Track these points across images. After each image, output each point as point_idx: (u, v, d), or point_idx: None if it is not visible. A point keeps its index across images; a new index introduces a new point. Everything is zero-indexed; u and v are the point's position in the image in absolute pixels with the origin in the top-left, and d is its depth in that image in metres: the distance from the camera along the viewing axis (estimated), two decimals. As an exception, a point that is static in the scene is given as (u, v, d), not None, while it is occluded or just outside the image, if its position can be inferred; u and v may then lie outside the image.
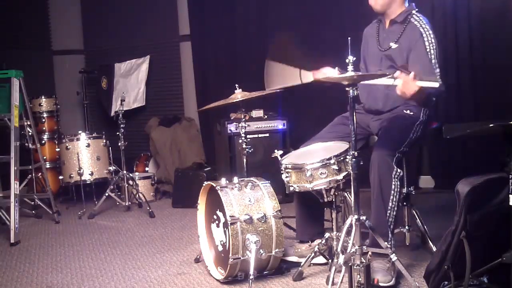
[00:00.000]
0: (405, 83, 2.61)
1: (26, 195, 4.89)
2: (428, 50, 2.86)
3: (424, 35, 2.89)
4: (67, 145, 4.89)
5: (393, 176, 2.66)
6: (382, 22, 3.08)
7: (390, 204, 2.67)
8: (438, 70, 2.88)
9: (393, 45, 2.96)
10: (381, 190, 2.67)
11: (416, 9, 3.01)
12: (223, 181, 2.87)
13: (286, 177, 2.71)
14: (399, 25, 2.98)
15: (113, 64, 5.95)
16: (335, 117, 3.18)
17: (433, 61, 2.86)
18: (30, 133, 4.63)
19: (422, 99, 2.79)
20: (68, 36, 6.50)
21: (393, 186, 2.66)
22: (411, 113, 2.91)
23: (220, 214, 2.81)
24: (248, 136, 3.18)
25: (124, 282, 2.93)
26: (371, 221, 2.57)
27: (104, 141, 5.01)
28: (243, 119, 3.17)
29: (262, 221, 2.72)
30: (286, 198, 4.18)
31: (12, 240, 3.80)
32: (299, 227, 3.11)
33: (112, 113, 5.76)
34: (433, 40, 2.88)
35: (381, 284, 2.54)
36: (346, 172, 2.58)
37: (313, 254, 2.79)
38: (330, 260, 2.79)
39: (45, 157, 5.08)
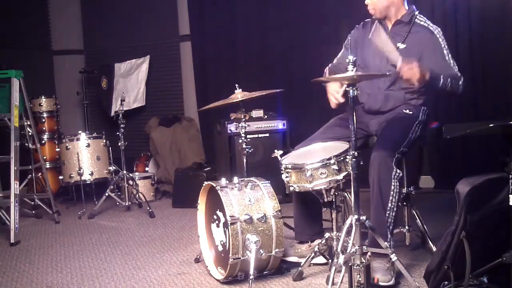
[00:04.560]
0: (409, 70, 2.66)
1: (26, 195, 4.90)
2: (443, 46, 2.91)
3: (435, 32, 2.92)
4: (67, 145, 4.89)
5: (392, 176, 2.66)
6: (383, 23, 3.05)
7: (390, 204, 2.67)
8: (455, 62, 2.91)
9: (401, 45, 2.93)
10: (380, 191, 2.66)
11: (418, 11, 3.02)
12: (223, 181, 2.86)
13: (286, 177, 2.71)
14: (405, 25, 2.98)
15: (113, 64, 5.96)
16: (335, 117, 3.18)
17: (449, 55, 2.90)
18: (30, 133, 4.64)
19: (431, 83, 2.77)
20: (68, 36, 6.50)
21: (392, 187, 2.66)
22: (410, 113, 2.91)
23: (220, 214, 2.81)
24: (248, 136, 3.18)
25: (124, 282, 2.93)
26: (371, 222, 2.57)
27: (104, 141, 5.02)
28: (243, 119, 3.17)
29: (262, 221, 2.72)
30: (286, 198, 4.18)
31: (12, 240, 3.80)
32: (298, 228, 3.10)
33: (112, 113, 5.77)
34: (443, 36, 2.91)
35: (381, 283, 2.54)
36: (346, 172, 2.58)
37: (313, 254, 2.78)
38: (330, 260, 2.79)
39: (45, 157, 5.09)
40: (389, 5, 2.97)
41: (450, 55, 2.92)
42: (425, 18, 2.99)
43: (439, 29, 2.94)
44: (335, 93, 2.88)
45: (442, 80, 2.79)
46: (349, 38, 3.10)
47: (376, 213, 2.69)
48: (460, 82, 2.87)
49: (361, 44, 3.09)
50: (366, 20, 3.18)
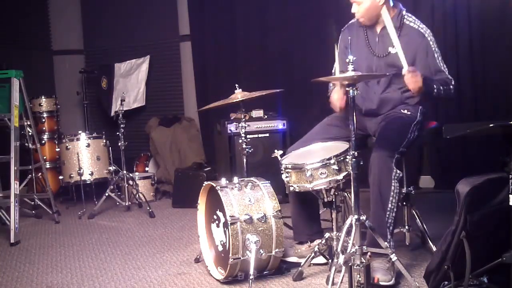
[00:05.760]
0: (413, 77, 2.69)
1: (26, 195, 4.90)
2: (433, 49, 2.89)
3: (426, 35, 2.90)
4: (67, 145, 4.90)
5: (392, 177, 2.65)
6: (371, 26, 3.02)
7: (389, 205, 2.66)
8: (445, 65, 2.91)
9: (392, 50, 2.89)
10: (380, 191, 2.66)
11: (404, 9, 2.99)
12: (223, 181, 2.86)
13: (286, 177, 2.71)
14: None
15: (113, 64, 5.96)
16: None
17: (439, 58, 2.89)
18: (30, 133, 4.64)
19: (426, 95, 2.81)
20: (68, 36, 6.51)
21: (392, 187, 2.65)
22: (409, 113, 2.91)
23: (220, 214, 2.81)
24: (248, 136, 3.18)
25: (124, 282, 2.93)
26: (370, 222, 2.57)
27: (104, 141, 5.02)
28: (243, 119, 3.17)
29: (262, 221, 2.72)
30: (286, 198, 4.17)
31: (12, 240, 3.80)
32: (296, 228, 3.09)
33: (112, 113, 5.77)
34: (434, 38, 2.90)
35: (381, 283, 2.54)
36: (346, 172, 2.58)
37: (313, 254, 2.78)
38: (330, 260, 2.79)
39: (45, 157, 5.08)
40: (378, 13, 2.92)
41: (440, 58, 2.91)
42: (413, 18, 2.95)
43: (429, 31, 2.92)
44: (340, 100, 2.93)
45: (435, 90, 2.81)
46: (339, 44, 3.08)
47: (376, 214, 2.68)
48: (452, 87, 2.88)
49: (349, 48, 3.05)
50: (350, 22, 3.15)
